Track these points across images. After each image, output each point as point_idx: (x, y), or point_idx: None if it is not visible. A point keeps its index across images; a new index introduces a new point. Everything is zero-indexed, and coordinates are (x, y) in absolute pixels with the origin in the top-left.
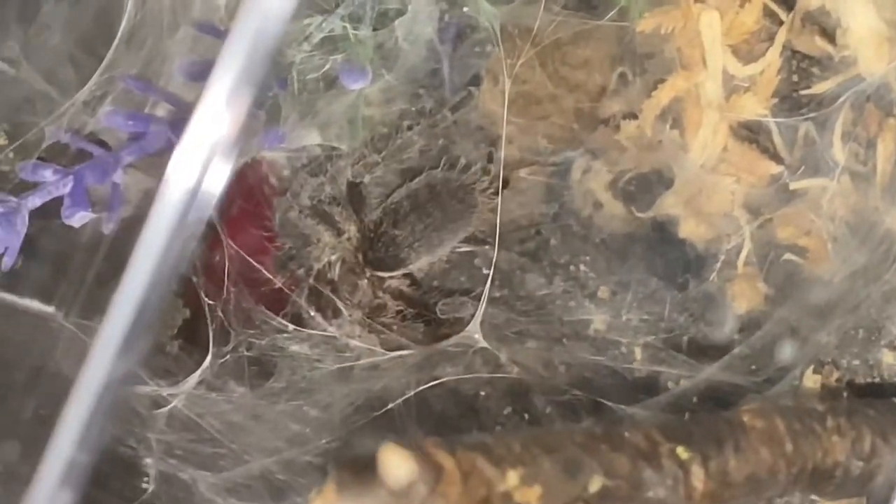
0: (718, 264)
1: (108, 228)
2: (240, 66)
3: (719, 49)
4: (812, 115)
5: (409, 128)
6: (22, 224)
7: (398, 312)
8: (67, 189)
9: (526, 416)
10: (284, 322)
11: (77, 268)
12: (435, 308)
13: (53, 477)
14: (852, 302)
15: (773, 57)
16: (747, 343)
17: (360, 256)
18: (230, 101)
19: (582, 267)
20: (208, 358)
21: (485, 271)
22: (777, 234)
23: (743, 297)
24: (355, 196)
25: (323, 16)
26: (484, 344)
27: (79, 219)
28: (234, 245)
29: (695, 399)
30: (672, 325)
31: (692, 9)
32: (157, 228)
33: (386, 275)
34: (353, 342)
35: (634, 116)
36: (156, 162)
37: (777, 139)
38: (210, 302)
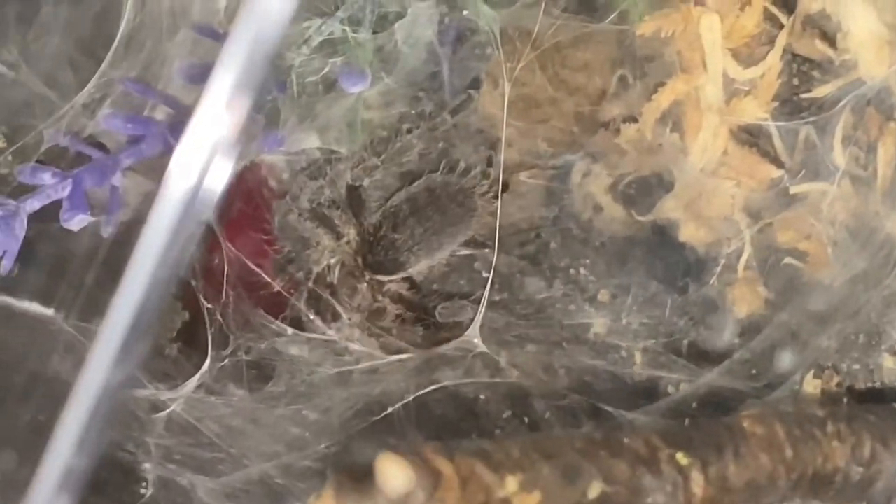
0: (719, 268)
1: (106, 232)
2: (239, 70)
3: (719, 52)
4: (812, 118)
5: (409, 131)
6: (20, 227)
7: (397, 316)
8: (66, 192)
9: (525, 419)
10: (283, 326)
11: (76, 270)
12: (434, 312)
13: (51, 482)
14: (853, 306)
15: (774, 60)
16: (747, 347)
17: (360, 260)
18: (229, 104)
19: (582, 270)
20: (207, 362)
21: (484, 275)
22: (777, 239)
23: (743, 302)
24: (354, 199)
25: (322, 19)
26: (483, 348)
27: (77, 222)
28: (233, 248)
29: (694, 405)
30: (672, 329)
31: (692, 12)
32: (157, 230)
33: (385, 278)
34: (353, 346)
35: (634, 120)
36: (155, 165)
37: (777, 143)
38: (209, 306)
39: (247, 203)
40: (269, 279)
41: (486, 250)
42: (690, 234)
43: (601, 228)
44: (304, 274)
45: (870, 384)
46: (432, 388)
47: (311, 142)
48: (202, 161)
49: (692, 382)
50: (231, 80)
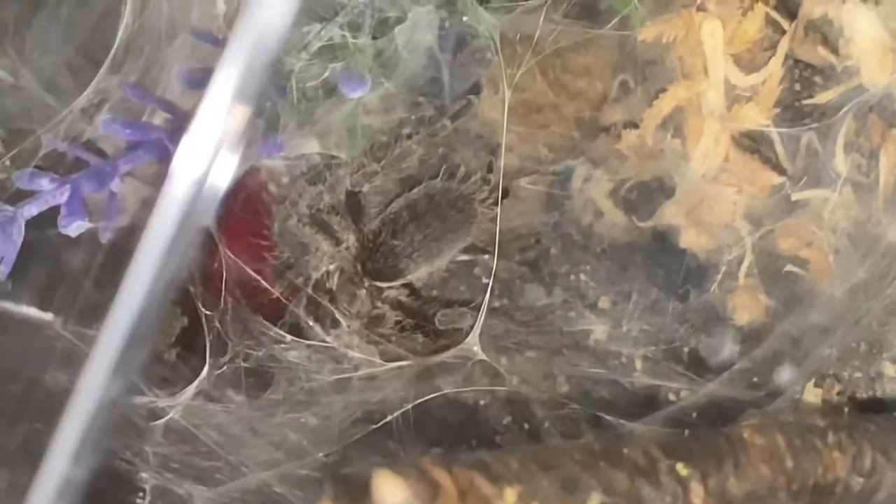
0: (720, 275)
1: (105, 237)
2: (239, 75)
3: (721, 58)
4: (814, 125)
5: (409, 136)
6: (18, 233)
7: (396, 323)
8: (64, 198)
9: (526, 425)
10: (282, 332)
11: (74, 276)
12: (434, 319)
13: (49, 492)
14: (854, 314)
15: (776, 66)
16: (748, 356)
17: (359, 266)
18: (229, 109)
19: (582, 276)
20: (205, 369)
21: (484, 281)
22: (778, 246)
23: (744, 309)
24: (354, 205)
25: (322, 24)
26: (483, 356)
27: (75, 228)
28: (231, 254)
29: (694, 414)
30: (673, 336)
31: (694, 18)
32: (157, 235)
33: (384, 285)
34: (352, 353)
35: (635, 125)
36: (153, 170)
37: (779, 149)
38: (207, 312)
39: (246, 208)
40: (267, 285)
41: (486, 256)
42: (691, 240)
43: (602, 234)
44: (303, 280)
45: (871, 393)
46: (431, 395)
47: (310, 147)
48: (202, 166)
49: (692, 391)
50: (231, 85)
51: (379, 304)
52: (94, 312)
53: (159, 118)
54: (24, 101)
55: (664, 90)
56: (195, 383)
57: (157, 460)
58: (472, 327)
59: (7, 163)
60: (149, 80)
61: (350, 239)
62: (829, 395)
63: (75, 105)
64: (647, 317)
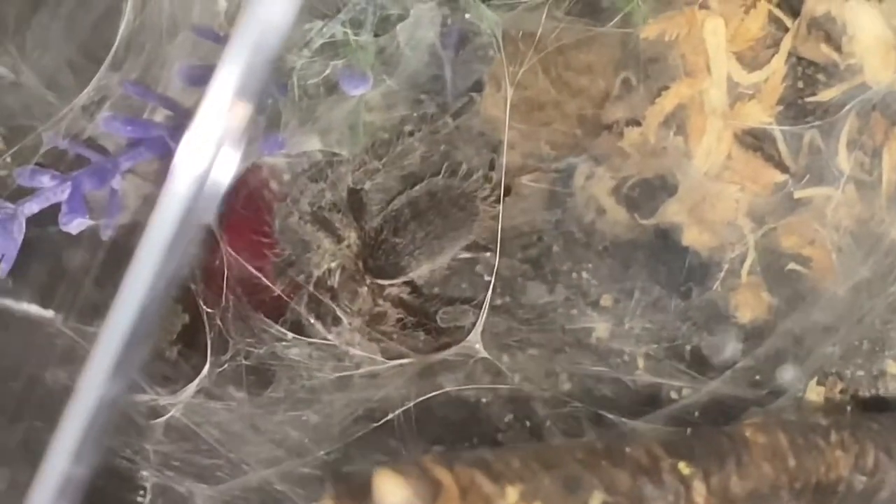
0: (722, 273)
1: (106, 235)
2: (240, 73)
3: (724, 56)
4: (817, 123)
5: (411, 134)
6: (19, 231)
7: (398, 321)
8: (65, 195)
9: (527, 423)
10: (283, 330)
11: (75, 273)
12: (435, 316)
13: (49, 490)
14: (857, 313)
15: (779, 64)
16: (751, 354)
17: (360, 264)
18: (231, 107)
19: (584, 274)
20: (206, 367)
21: (486, 278)
22: (781, 244)
23: (746, 307)
24: (355, 203)
25: (324, 21)
26: (485, 354)
27: (76, 226)
28: (233, 251)
29: (696, 413)
30: (675, 334)
31: (696, 15)
32: (159, 232)
33: (386, 283)
34: (353, 351)
35: (638, 123)
36: (154, 168)
37: (782, 147)
38: (209, 310)
39: (247, 206)
40: (269, 283)
41: (488, 254)
42: (694, 238)
43: (604, 232)
44: (304, 278)
45: (873, 391)
46: (433, 393)
47: (312, 144)
48: (204, 163)
49: (695, 389)
50: (232, 83)
51: (380, 301)
52: (94, 310)
53: (160, 115)
54: (25, 99)
55: (667, 88)
56: (196, 381)
57: (157, 458)
58: (474, 325)
59: (8, 160)
60: (150, 77)
61: (351, 236)
62: (832, 393)
63: (76, 102)
64: (650, 315)
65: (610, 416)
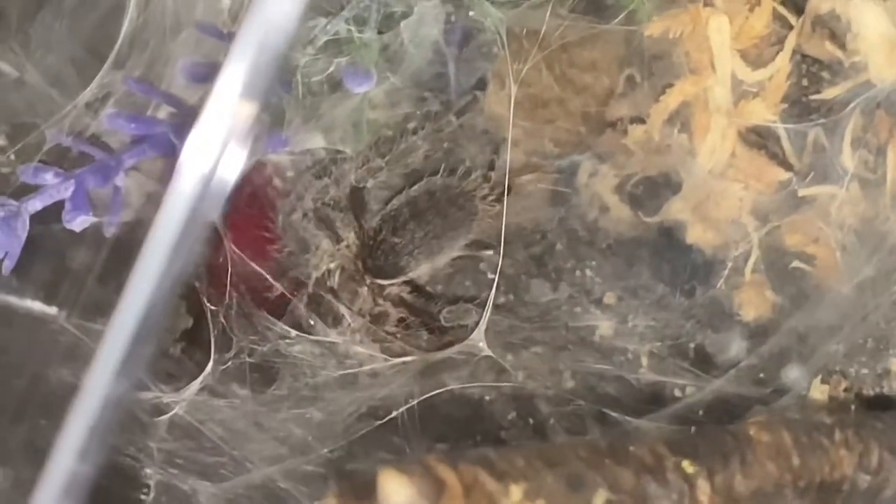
0: (726, 271)
1: (109, 232)
2: (246, 72)
3: (728, 53)
4: (822, 121)
5: (414, 131)
6: (22, 228)
7: (401, 321)
8: (69, 193)
9: (531, 420)
10: (286, 328)
11: (78, 271)
12: (438, 315)
13: (55, 489)
14: (861, 311)
15: (783, 62)
16: (755, 353)
17: (360, 264)
18: (236, 106)
19: (588, 272)
20: (210, 364)
21: (490, 276)
22: (785, 242)
23: (750, 305)
24: (357, 201)
25: (327, 18)
26: (488, 352)
27: (80, 223)
28: (237, 249)
29: (700, 411)
30: (679, 332)
31: (701, 13)
32: (165, 230)
33: (385, 282)
34: (356, 349)
35: (642, 120)
36: (158, 165)
37: (786, 145)
38: (212, 307)
39: (251, 204)
40: (272, 281)
41: (492, 252)
42: (698, 236)
43: (607, 230)
44: (305, 277)
45: (878, 389)
46: (437, 391)
47: (315, 142)
48: (210, 162)
49: (698, 387)
50: (238, 81)
51: (381, 301)
52: (98, 307)
53: (164, 112)
54: (29, 96)
55: (671, 85)
56: (200, 378)
57: (161, 456)
58: (477, 323)
59: (12, 157)
60: (153, 74)
61: (350, 237)
62: (836, 391)
63: (80, 99)
64: (653, 312)
65: (613, 414)
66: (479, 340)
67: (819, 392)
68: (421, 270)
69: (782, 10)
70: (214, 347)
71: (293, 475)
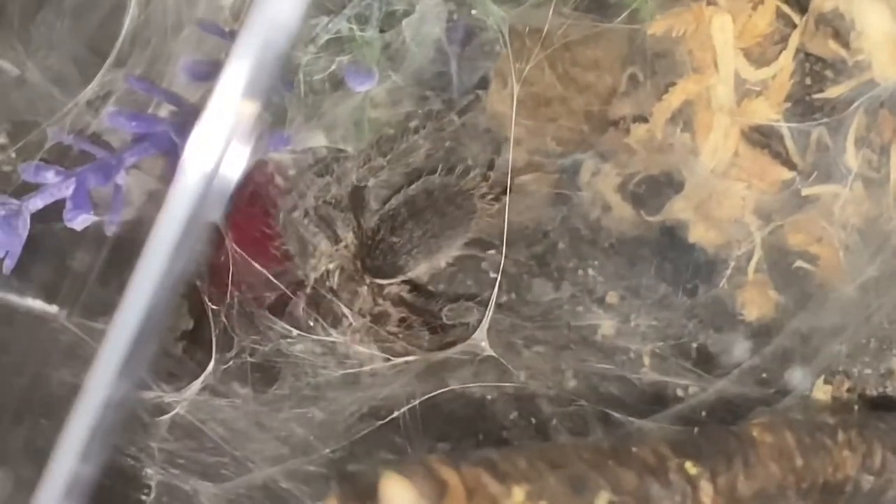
0: (728, 271)
1: (110, 231)
2: (248, 71)
3: (731, 52)
4: (825, 120)
5: (416, 130)
6: (23, 226)
7: (402, 320)
8: (70, 191)
9: (533, 420)
10: (288, 327)
11: (79, 269)
12: (440, 314)
13: (57, 489)
14: (864, 311)
15: (786, 61)
16: (758, 353)
17: (359, 264)
18: (239, 104)
19: (590, 271)
20: (211, 364)
21: (492, 275)
22: (788, 241)
23: (753, 305)
24: (357, 200)
25: (329, 16)
26: (490, 352)
27: (81, 221)
28: (238, 248)
29: (703, 412)
30: (681, 332)
31: (704, 11)
32: (167, 229)
33: (385, 282)
34: (358, 348)
35: (645, 119)
36: (159, 163)
37: (789, 144)
38: (214, 307)
39: (253, 202)
40: (273, 280)
41: (493, 251)
42: (700, 235)
43: (610, 229)
44: (305, 277)
45: (881, 390)
46: (439, 391)
47: (317, 140)
48: (213, 160)
49: (701, 387)
50: (241, 80)
51: (380, 300)
52: (99, 305)
53: (165, 111)
54: (30, 94)
55: (674, 84)
56: (201, 378)
57: (162, 456)
58: (479, 322)
59: (13, 155)
60: (154, 72)
61: (349, 237)
62: (839, 392)
63: (81, 97)
64: (656, 312)
65: (616, 414)
66: (481, 340)
67: (822, 392)
68: (420, 270)
69: (786, 9)
70: (216, 347)
71: (295, 475)
